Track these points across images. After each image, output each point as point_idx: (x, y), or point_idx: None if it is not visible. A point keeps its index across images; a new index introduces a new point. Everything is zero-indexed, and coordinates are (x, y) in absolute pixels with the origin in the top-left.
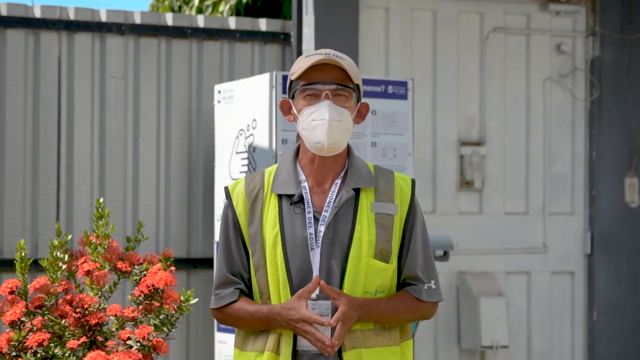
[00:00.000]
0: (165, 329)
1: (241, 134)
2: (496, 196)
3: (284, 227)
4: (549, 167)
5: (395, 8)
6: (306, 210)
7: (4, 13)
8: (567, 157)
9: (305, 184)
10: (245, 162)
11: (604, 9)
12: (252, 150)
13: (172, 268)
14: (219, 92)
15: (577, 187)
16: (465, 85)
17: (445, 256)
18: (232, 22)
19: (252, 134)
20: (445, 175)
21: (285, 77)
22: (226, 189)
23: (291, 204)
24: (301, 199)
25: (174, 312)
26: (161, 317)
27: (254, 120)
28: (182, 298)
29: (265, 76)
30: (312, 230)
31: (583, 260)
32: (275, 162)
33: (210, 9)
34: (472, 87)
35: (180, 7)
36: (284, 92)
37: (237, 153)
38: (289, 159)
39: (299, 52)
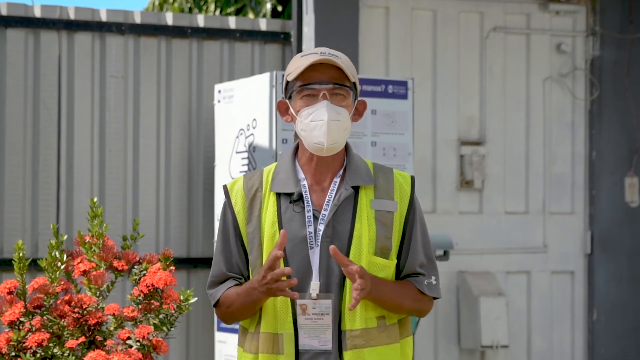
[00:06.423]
0: (164, 328)
1: (241, 134)
2: (496, 196)
3: (283, 226)
4: (548, 166)
5: (395, 8)
6: (306, 209)
7: (4, 13)
8: (567, 156)
9: (305, 182)
10: (246, 161)
11: (604, 8)
12: (252, 149)
13: (172, 268)
14: (219, 91)
15: (577, 187)
16: (465, 85)
17: (445, 256)
18: (232, 22)
19: (252, 134)
20: (445, 175)
21: None
22: (225, 187)
23: (290, 202)
24: (300, 198)
25: (173, 311)
26: (161, 316)
27: (254, 119)
28: (181, 297)
29: (266, 76)
30: (311, 229)
31: (583, 260)
32: (276, 162)
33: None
34: (472, 87)
35: (190, 9)
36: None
37: (237, 153)
38: (288, 157)
39: (299, 52)
